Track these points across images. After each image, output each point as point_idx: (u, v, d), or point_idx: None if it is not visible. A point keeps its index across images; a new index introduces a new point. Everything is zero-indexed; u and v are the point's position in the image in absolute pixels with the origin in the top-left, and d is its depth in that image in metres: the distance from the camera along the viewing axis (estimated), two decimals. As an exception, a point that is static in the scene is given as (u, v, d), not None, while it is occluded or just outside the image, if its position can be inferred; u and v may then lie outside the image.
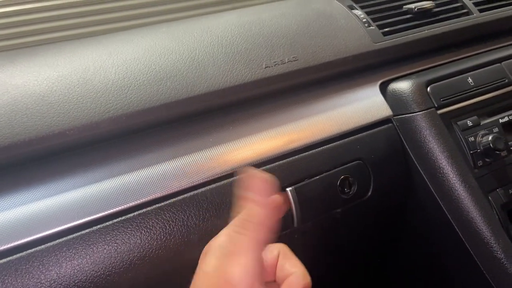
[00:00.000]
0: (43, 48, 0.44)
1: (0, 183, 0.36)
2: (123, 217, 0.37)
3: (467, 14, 0.60)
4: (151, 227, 0.37)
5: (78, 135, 0.37)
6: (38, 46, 0.45)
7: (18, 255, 0.33)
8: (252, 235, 0.30)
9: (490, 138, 0.49)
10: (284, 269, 0.34)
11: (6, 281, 0.32)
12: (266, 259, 0.35)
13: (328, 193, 0.44)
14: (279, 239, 0.43)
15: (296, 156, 0.45)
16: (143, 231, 0.37)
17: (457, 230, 0.47)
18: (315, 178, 0.44)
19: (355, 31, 0.52)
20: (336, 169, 0.45)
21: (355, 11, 0.55)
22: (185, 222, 0.38)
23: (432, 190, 0.48)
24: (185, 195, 0.39)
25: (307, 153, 0.45)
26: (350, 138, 0.48)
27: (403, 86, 0.50)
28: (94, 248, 0.35)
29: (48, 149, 0.37)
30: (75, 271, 0.34)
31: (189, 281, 0.28)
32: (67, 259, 0.34)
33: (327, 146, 0.46)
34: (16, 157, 0.36)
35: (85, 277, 0.34)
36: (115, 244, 0.36)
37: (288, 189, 0.42)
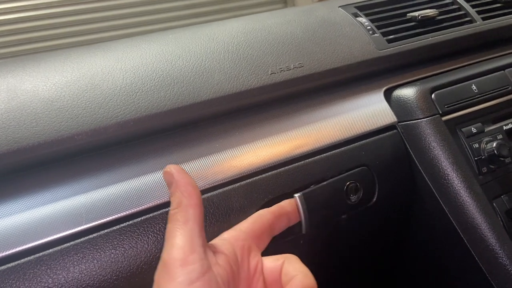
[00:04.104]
0: (51, 54, 0.44)
1: (8, 187, 0.36)
2: (130, 222, 0.37)
3: (470, 22, 0.61)
4: (157, 232, 0.37)
5: (86, 140, 0.38)
6: (46, 52, 0.46)
7: (25, 259, 0.34)
8: (182, 218, 0.32)
9: (494, 144, 0.49)
10: (288, 273, 0.35)
11: (14, 285, 0.32)
12: (270, 267, 0.36)
13: (335, 199, 0.44)
14: (284, 245, 0.43)
15: (301, 162, 0.45)
16: (150, 236, 0.37)
17: (462, 236, 0.47)
18: (323, 184, 0.44)
19: (360, 38, 0.53)
20: (343, 175, 0.45)
21: (360, 19, 0.55)
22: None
23: (437, 196, 0.48)
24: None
25: (312, 159, 0.45)
26: (355, 144, 0.48)
27: (407, 92, 0.51)
28: (102, 252, 0.35)
29: (56, 154, 0.37)
30: (83, 275, 0.34)
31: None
32: (75, 263, 0.34)
33: (332, 152, 0.47)
34: (25, 161, 0.36)
35: (92, 282, 0.34)
36: (122, 249, 0.36)
37: (296, 195, 0.42)
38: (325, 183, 0.44)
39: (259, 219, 0.39)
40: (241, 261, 0.35)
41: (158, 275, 0.31)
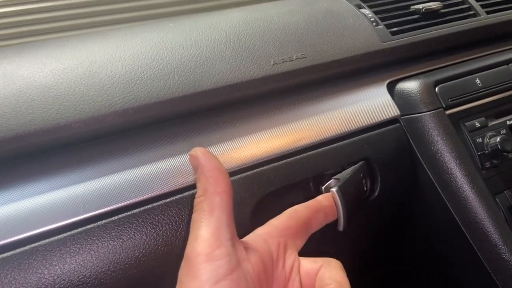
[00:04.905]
0: (49, 41, 0.43)
1: (4, 175, 0.35)
2: (128, 213, 0.36)
3: (474, 15, 0.60)
4: (157, 223, 0.36)
5: (84, 128, 0.37)
6: (44, 40, 0.45)
7: (21, 249, 0.33)
8: (207, 207, 0.30)
9: (498, 139, 0.49)
10: (323, 279, 0.32)
11: (9, 275, 0.32)
12: (307, 269, 0.33)
13: (358, 192, 0.43)
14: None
15: (303, 155, 0.44)
16: (149, 227, 0.36)
17: (464, 231, 0.46)
18: (349, 176, 0.43)
19: (363, 30, 0.52)
20: (356, 167, 0.44)
21: (363, 10, 0.54)
22: (191, 219, 0.38)
23: (439, 191, 0.48)
24: (192, 192, 0.38)
25: (314, 151, 0.45)
26: (357, 137, 0.47)
27: (411, 86, 0.50)
28: (99, 243, 0.34)
29: (53, 142, 0.36)
30: (79, 266, 0.33)
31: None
32: (71, 254, 0.33)
33: (334, 145, 0.46)
34: (21, 149, 0.35)
35: (89, 273, 0.34)
36: (121, 240, 0.35)
37: (333, 189, 0.40)
38: (348, 175, 0.42)
39: (294, 215, 0.36)
40: (276, 259, 0.33)
41: (182, 272, 0.29)
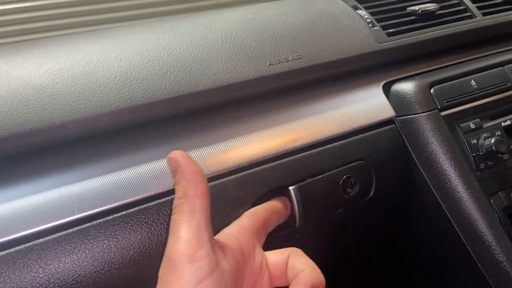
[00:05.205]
0: (45, 41, 0.43)
1: (-1, 175, 0.35)
2: (123, 212, 0.36)
3: (470, 17, 0.60)
4: (152, 223, 0.37)
5: (79, 128, 0.37)
6: (40, 39, 0.45)
7: (15, 249, 0.33)
8: (188, 210, 0.30)
9: (492, 141, 0.49)
10: (295, 267, 0.34)
11: (4, 274, 0.32)
12: (275, 261, 0.35)
13: (330, 193, 0.44)
14: (279, 238, 0.43)
15: (298, 155, 0.44)
16: (143, 227, 0.36)
17: (459, 232, 0.47)
18: (318, 177, 0.44)
19: (359, 31, 0.52)
20: (339, 169, 0.45)
21: (359, 11, 0.54)
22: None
23: (434, 192, 0.48)
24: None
25: (309, 152, 0.45)
26: (352, 138, 0.47)
27: (406, 87, 0.50)
28: (94, 242, 0.34)
29: (49, 142, 0.36)
30: (74, 265, 0.33)
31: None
32: (66, 253, 0.33)
33: (329, 145, 0.46)
34: (16, 149, 0.35)
35: (84, 272, 0.34)
36: (115, 239, 0.35)
37: (290, 187, 0.42)
38: (320, 176, 0.44)
39: (255, 215, 0.38)
40: (247, 257, 0.34)
41: (163, 272, 0.30)
